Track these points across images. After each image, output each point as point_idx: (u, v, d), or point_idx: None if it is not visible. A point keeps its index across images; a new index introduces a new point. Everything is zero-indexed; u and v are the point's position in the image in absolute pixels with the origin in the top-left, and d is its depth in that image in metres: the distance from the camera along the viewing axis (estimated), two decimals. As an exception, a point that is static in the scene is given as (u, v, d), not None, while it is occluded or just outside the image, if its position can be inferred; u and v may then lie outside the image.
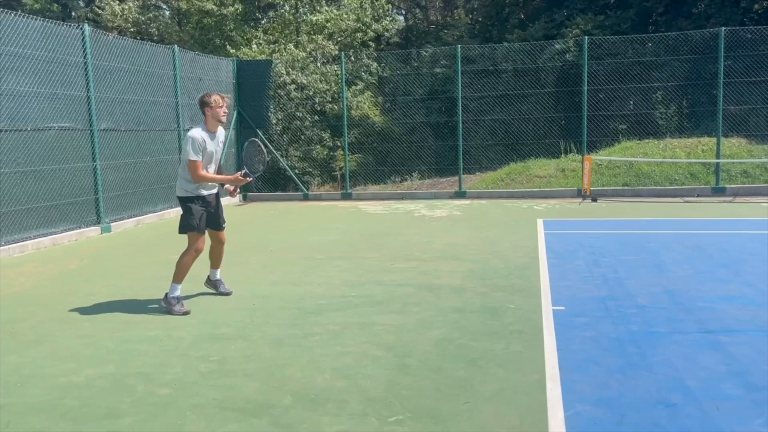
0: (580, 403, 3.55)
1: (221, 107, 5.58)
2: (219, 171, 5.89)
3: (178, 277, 5.66)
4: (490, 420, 3.40)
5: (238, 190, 6.10)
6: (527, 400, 3.63)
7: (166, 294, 5.66)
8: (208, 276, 6.27)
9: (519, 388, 3.80)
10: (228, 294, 6.13)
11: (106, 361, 4.44)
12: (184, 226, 5.70)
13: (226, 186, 5.87)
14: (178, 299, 5.63)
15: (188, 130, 5.85)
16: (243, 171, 5.82)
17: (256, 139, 6.18)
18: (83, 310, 5.78)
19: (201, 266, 6.14)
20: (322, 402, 3.68)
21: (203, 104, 5.60)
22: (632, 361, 4.16)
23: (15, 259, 8.43)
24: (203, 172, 5.58)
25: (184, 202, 5.72)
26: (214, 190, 5.88)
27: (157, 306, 5.77)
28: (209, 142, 5.61)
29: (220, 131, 5.78)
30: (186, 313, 5.53)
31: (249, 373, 4.14)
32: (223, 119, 5.62)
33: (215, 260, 6.18)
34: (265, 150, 6.05)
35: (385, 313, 5.42)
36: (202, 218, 5.70)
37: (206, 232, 5.85)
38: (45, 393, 3.92)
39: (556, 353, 4.32)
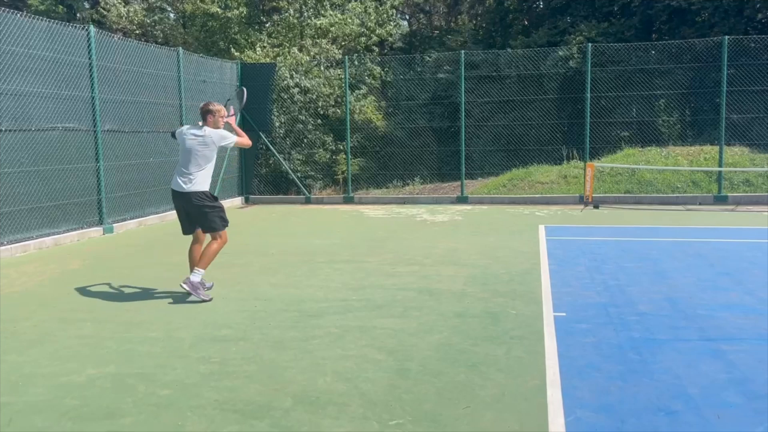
0: (581, 409, 3.55)
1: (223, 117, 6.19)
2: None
3: (203, 263, 6.08)
4: (491, 425, 3.41)
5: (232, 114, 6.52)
6: (528, 405, 3.63)
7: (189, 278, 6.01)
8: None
9: (519, 393, 3.80)
10: None
11: (107, 361, 4.45)
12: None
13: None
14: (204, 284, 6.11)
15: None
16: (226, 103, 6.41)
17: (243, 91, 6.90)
18: (84, 310, 5.79)
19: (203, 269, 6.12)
20: (322, 405, 3.68)
21: (207, 112, 6.11)
22: (633, 367, 4.16)
23: (17, 258, 8.44)
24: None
25: (207, 200, 6.11)
26: (180, 188, 6.03)
27: (166, 300, 5.79)
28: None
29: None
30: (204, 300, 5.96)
31: (250, 375, 4.14)
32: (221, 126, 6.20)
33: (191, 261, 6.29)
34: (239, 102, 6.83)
35: (386, 317, 5.43)
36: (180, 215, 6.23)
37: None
38: (46, 392, 3.93)
39: (557, 359, 4.32)
